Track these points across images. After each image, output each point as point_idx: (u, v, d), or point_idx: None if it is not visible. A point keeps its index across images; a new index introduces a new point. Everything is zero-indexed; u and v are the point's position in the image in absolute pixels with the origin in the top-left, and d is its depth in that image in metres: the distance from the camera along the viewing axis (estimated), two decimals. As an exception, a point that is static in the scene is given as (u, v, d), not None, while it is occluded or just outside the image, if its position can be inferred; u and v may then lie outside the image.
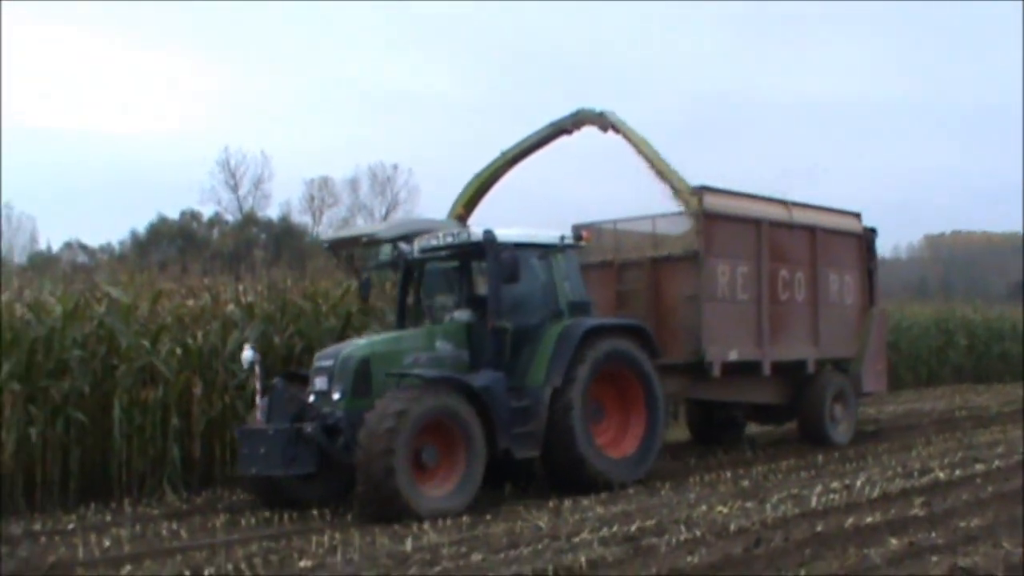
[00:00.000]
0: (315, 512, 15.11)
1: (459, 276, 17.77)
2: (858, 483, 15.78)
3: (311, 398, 15.73)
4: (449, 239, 17.03)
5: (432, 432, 14.73)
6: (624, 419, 17.51)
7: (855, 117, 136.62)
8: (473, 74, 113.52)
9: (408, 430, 14.21)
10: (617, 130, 21.72)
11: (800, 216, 21.72)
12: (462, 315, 17.09)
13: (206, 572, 11.28)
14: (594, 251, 20.44)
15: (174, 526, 14.37)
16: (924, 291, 72.21)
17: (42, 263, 34.36)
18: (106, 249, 56.92)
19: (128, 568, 11.82)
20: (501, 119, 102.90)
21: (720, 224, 19.84)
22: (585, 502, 15.41)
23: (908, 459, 18.77)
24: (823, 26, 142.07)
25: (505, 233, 16.65)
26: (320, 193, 79.27)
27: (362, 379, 15.43)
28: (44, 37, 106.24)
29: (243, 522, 14.56)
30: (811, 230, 21.80)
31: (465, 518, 14.41)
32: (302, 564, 11.71)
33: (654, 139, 21.16)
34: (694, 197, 19.77)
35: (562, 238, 17.46)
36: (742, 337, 20.12)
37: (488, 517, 14.47)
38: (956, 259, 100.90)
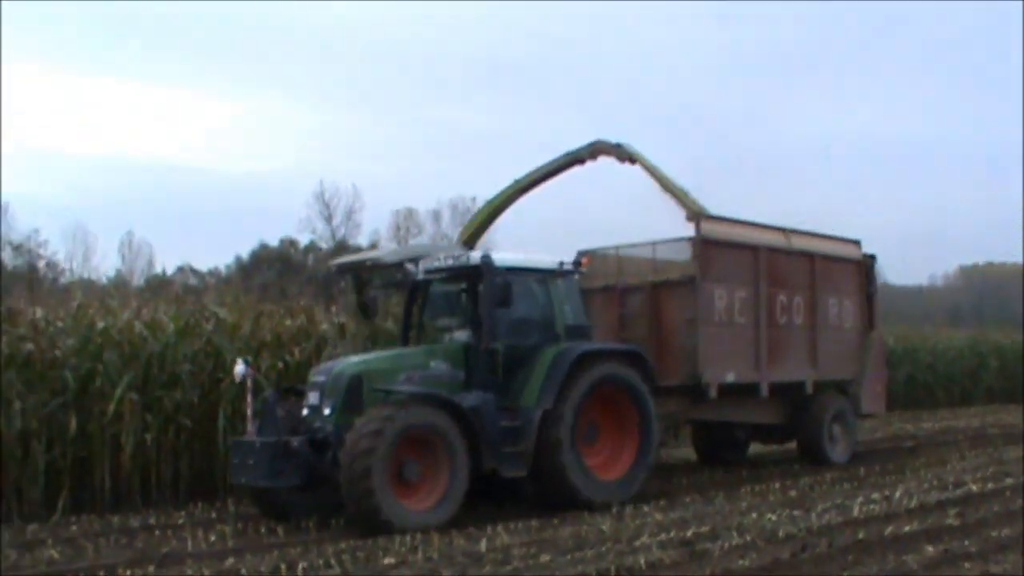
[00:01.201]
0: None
1: (460, 298, 16.92)
2: (897, 494, 15.70)
3: (305, 412, 15.13)
4: (450, 262, 16.46)
5: (416, 447, 14.08)
6: (618, 442, 16.61)
7: (894, 153, 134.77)
8: (541, 115, 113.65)
9: (387, 446, 13.58)
10: (634, 160, 20.90)
11: (799, 243, 20.95)
12: (460, 336, 16.36)
13: (300, 566, 11.32)
14: (597, 276, 19.88)
15: (271, 524, 14.40)
16: (958, 317, 71.43)
17: (157, 285, 34.72)
18: (214, 273, 57.29)
19: (231, 561, 11.92)
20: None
21: (717, 250, 19.05)
22: (645, 508, 15.36)
23: (943, 472, 18.58)
24: (853, 65, 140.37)
25: (503, 257, 16.07)
26: (406, 223, 79.20)
27: (353, 395, 14.67)
28: (169, 92, 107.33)
29: (333, 522, 14.55)
30: (810, 256, 20.97)
31: (534, 521, 14.40)
32: (386, 561, 11.74)
33: (671, 170, 20.51)
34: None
35: (561, 264, 16.76)
36: (740, 360, 19.32)
37: (556, 521, 14.45)
38: (988, 287, 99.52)
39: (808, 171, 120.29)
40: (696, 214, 19.02)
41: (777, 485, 17.64)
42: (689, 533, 12.75)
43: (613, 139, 21.14)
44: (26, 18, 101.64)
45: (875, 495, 15.70)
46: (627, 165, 20.99)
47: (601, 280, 19.96)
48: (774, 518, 13.84)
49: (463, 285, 16.68)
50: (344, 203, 77.17)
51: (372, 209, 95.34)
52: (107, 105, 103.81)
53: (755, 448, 22.78)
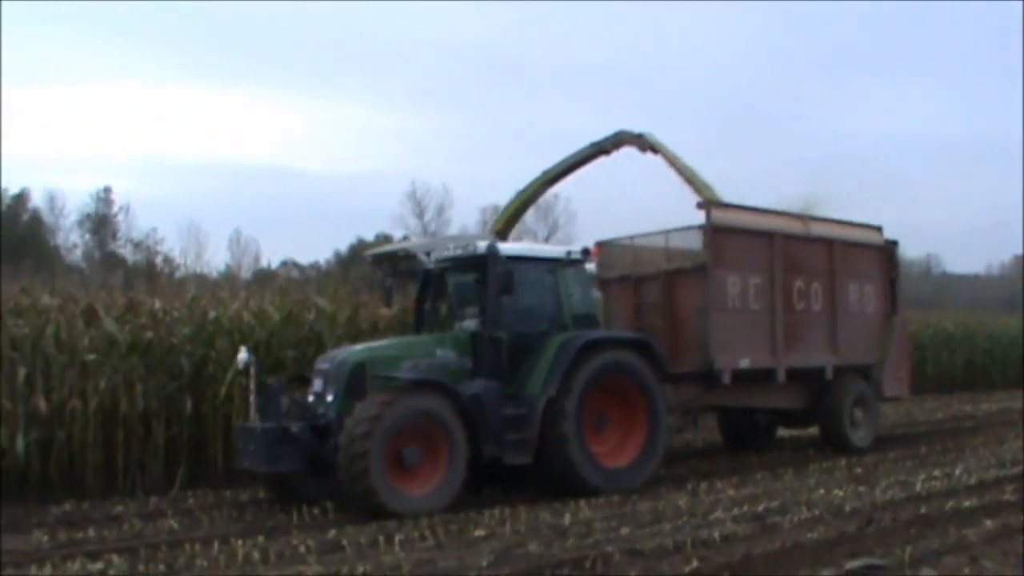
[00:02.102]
0: (488, 491, 15.14)
1: (469, 287, 16.20)
2: (957, 471, 15.60)
3: (311, 399, 14.65)
4: (459, 251, 16.11)
5: (415, 434, 13.49)
6: (627, 430, 15.85)
7: (951, 150, 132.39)
8: (615, 114, 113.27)
9: (384, 431, 13.07)
10: (655, 151, 20.45)
11: (817, 229, 20.01)
12: (469, 324, 15.73)
13: (397, 538, 11.41)
14: (614, 266, 19.51)
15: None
16: (1014, 305, 70.40)
17: (263, 278, 34.99)
18: (315, 266, 57.63)
19: (332, 532, 12.01)
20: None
21: (729, 237, 18.21)
22: (719, 484, 15.36)
23: (1001, 451, 18.41)
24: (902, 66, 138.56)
25: (509, 247, 15.83)
26: (492, 218, 79.39)
27: (356, 382, 14.11)
28: (271, 100, 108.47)
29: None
30: (829, 243, 19.97)
31: (615, 497, 14.42)
32: (476, 533, 11.81)
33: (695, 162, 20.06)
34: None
35: (568, 253, 16.24)
36: (755, 345, 18.43)
37: (635, 497, 14.46)
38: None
39: (870, 168, 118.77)
40: (707, 201, 18.42)
41: (843, 462, 17.57)
42: (760, 508, 12.73)
43: (637, 130, 20.77)
44: (137, 36, 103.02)
45: (936, 472, 15.59)
46: (649, 155, 20.59)
47: (618, 270, 19.54)
48: (841, 493, 13.79)
49: (472, 274, 16.02)
50: (435, 201, 77.51)
51: (460, 206, 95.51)
52: (215, 113, 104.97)
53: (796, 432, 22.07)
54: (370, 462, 12.88)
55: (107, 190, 69.74)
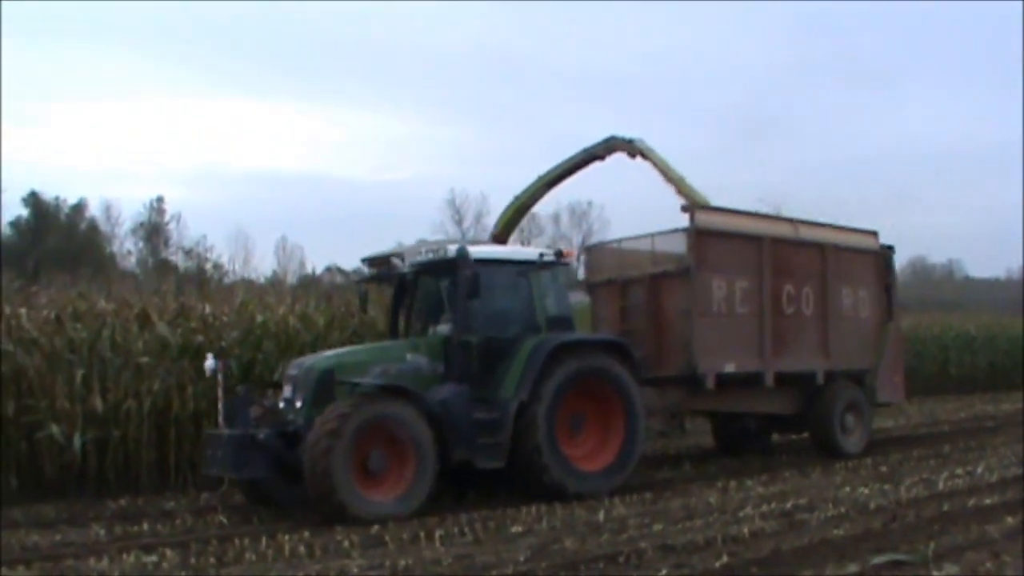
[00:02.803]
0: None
1: (443, 291, 15.65)
2: (979, 470, 15.47)
3: (281, 405, 14.14)
4: (431, 255, 15.38)
5: (381, 439, 12.99)
6: (603, 433, 15.17)
7: (968, 158, 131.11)
8: (647, 124, 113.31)
9: (348, 436, 12.57)
10: (645, 156, 19.88)
11: (808, 233, 19.08)
12: (442, 329, 15.06)
13: (437, 534, 11.44)
14: (601, 270, 19.09)
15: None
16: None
17: (308, 283, 35.12)
18: (358, 272, 57.93)
19: (376, 528, 12.05)
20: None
21: (714, 240, 17.48)
22: (748, 482, 15.32)
23: (1022, 450, 18.18)
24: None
25: (479, 250, 15.18)
26: (527, 225, 79.39)
27: (323, 389, 13.61)
28: (313, 111, 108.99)
29: (468, 495, 14.65)
30: (820, 247, 19.04)
31: (647, 494, 14.42)
32: (513, 529, 11.83)
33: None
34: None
35: (541, 255, 15.43)
36: (741, 350, 17.63)
37: (667, 494, 14.45)
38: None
39: (893, 173, 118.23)
40: (691, 204, 17.92)
41: (868, 461, 17.46)
42: (788, 505, 12.68)
43: (627, 135, 20.31)
44: (187, 53, 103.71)
45: (959, 470, 15.45)
46: (639, 160, 20.03)
47: (605, 274, 18.99)
48: (866, 491, 13.70)
49: (444, 278, 15.54)
50: (473, 207, 77.63)
51: (498, 212, 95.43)
52: (261, 124, 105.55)
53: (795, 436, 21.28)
54: (333, 467, 12.46)
55: (160, 200, 70.16)
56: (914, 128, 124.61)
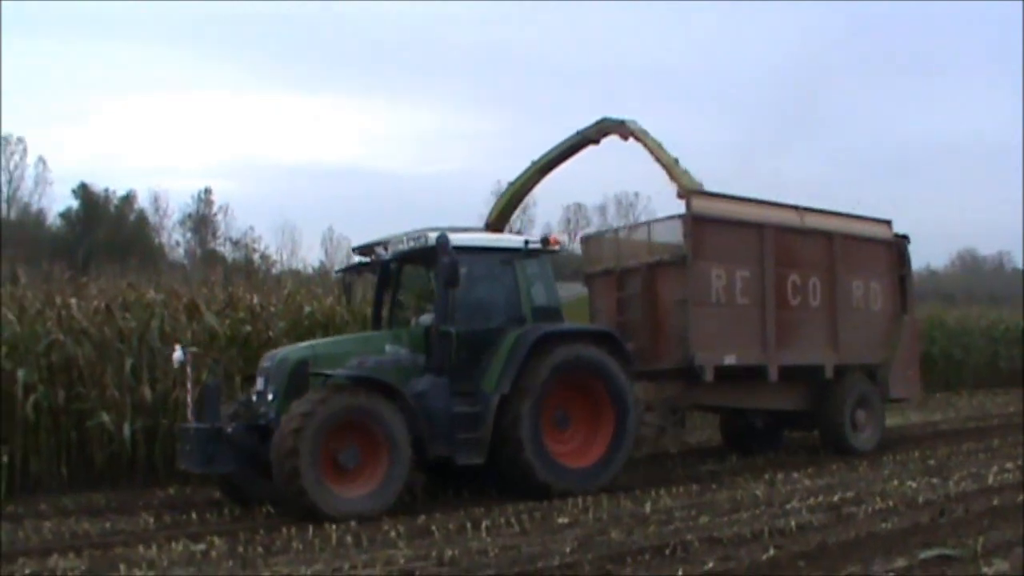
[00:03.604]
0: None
1: (425, 281, 15.36)
2: (1029, 464, 15.25)
3: (254, 398, 13.75)
4: (411, 243, 14.60)
5: (353, 433, 12.54)
6: (592, 428, 14.58)
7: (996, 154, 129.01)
8: (691, 118, 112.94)
9: (316, 430, 12.11)
10: (637, 138, 18.90)
11: (814, 222, 18.40)
12: (425, 319, 14.65)
13: (484, 524, 11.46)
14: (599, 260, 18.46)
15: (457, 486, 14.55)
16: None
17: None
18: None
19: (422, 518, 12.14)
20: (721, 154, 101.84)
21: (712, 228, 16.84)
22: (795, 475, 15.25)
23: (1074, 444, 17.98)
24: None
25: (460, 237, 14.28)
26: (575, 216, 79.14)
27: (297, 381, 13.10)
28: (356, 104, 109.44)
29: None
30: (828, 236, 18.39)
31: (694, 486, 14.40)
32: (560, 520, 11.83)
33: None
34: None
35: (526, 243, 14.74)
36: (742, 341, 16.95)
37: (714, 486, 14.42)
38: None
39: (944, 166, 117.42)
40: (687, 191, 17.10)
41: (916, 455, 17.32)
42: (836, 498, 12.61)
43: (619, 117, 19.27)
44: (235, 46, 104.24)
45: (1008, 464, 15.27)
46: (631, 142, 19.06)
47: (602, 264, 18.37)
48: (914, 485, 13.60)
49: (425, 267, 15.23)
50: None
51: (544, 204, 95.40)
52: (306, 117, 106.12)
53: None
54: (300, 461, 11.99)
55: (207, 191, 70.80)
56: (964, 119, 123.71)
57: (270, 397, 13.30)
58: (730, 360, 16.74)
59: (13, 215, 61.99)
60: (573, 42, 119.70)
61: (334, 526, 11.52)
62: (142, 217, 66.66)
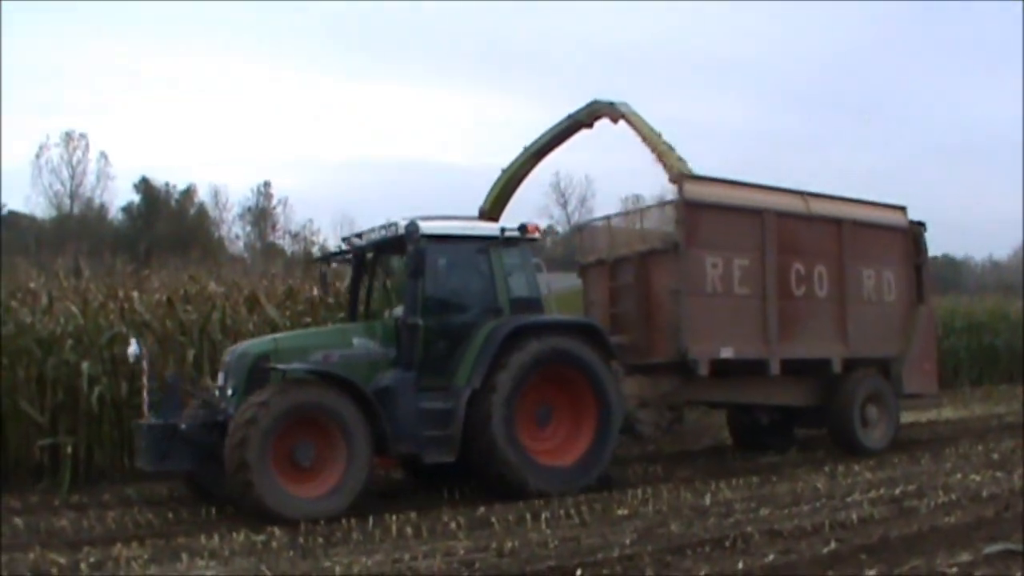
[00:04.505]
0: (631, 472, 15.14)
1: (401, 271, 14.50)
2: (1096, 458, 15.04)
3: (216, 393, 13.27)
4: (383, 232, 14.03)
5: (310, 430, 12.02)
6: (575, 425, 13.92)
7: None
8: (751, 107, 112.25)
9: (268, 426, 11.57)
10: (628, 120, 18.21)
11: (821, 208, 17.41)
12: (398, 311, 13.87)
13: (543, 516, 11.46)
14: (592, 250, 17.71)
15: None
16: None
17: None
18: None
19: (482, 510, 12.19)
20: (767, 144, 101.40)
21: (707, 214, 15.96)
22: (856, 467, 15.15)
23: None
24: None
25: (432, 225, 13.55)
26: (633, 207, 79.12)
27: (259, 376, 12.52)
28: (412, 96, 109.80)
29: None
30: (836, 223, 17.41)
31: (754, 478, 14.33)
32: (619, 512, 11.84)
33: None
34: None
35: (503, 231, 13.96)
36: (741, 334, 16.06)
37: (774, 479, 14.34)
38: None
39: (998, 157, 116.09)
40: (678, 175, 16.27)
41: (980, 448, 17.13)
42: (897, 491, 12.51)
43: (609, 99, 18.65)
44: (293, 40, 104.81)
45: (1076, 458, 15.12)
46: (622, 125, 18.41)
47: (595, 254, 17.62)
48: (977, 479, 13.46)
49: (398, 257, 14.62)
50: (578, 191, 77.67)
51: (603, 196, 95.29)
52: (364, 111, 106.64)
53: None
54: (249, 455, 11.47)
55: (267, 185, 71.42)
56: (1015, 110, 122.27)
57: (229, 392, 12.82)
58: (727, 353, 15.92)
59: (76, 210, 62.71)
60: (629, 35, 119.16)
61: (394, 517, 11.56)
62: (202, 211, 67.39)
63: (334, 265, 16.68)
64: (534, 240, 14.49)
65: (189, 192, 66.22)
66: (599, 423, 13.87)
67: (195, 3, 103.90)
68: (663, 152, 17.56)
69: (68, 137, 64.31)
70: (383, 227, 14.09)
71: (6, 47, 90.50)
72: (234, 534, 10.86)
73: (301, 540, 10.58)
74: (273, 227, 71.12)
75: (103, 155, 64.77)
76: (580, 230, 17.94)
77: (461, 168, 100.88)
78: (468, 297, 13.97)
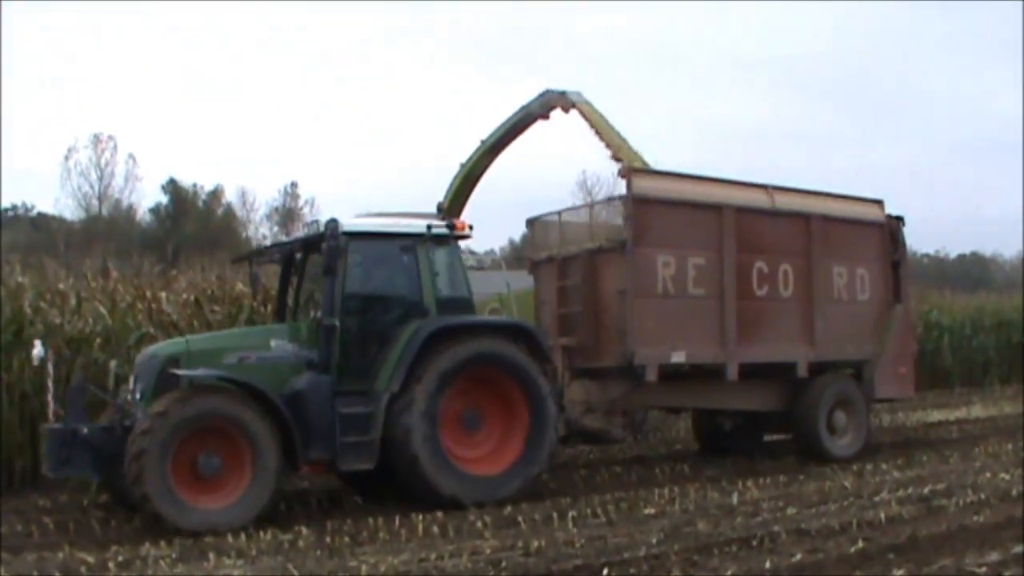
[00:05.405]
0: (657, 471, 15.11)
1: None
2: None
3: (129, 397, 12.60)
4: (306, 231, 13.59)
5: (215, 438, 11.52)
6: (507, 432, 13.27)
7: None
8: (781, 105, 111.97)
9: (167, 433, 11.12)
10: (580, 111, 17.87)
11: (787, 202, 16.37)
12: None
13: (570, 515, 11.46)
14: (542, 245, 16.73)
15: (544, 477, 14.55)
16: None
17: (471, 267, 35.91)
18: (489, 253, 58.33)
19: (509, 509, 12.18)
20: (795, 144, 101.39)
21: (659, 210, 15.01)
22: (884, 466, 15.11)
23: None
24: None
25: (353, 222, 13.12)
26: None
27: (167, 380, 11.94)
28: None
29: (597, 477, 14.69)
30: (804, 218, 16.38)
31: (782, 477, 14.31)
32: (646, 511, 11.86)
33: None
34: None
35: (429, 227, 13.31)
36: (695, 337, 15.14)
37: (801, 477, 14.31)
38: None
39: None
40: (627, 168, 15.57)
41: (1009, 447, 17.04)
42: (926, 490, 12.48)
43: (560, 88, 18.43)
44: (314, 42, 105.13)
45: (1106, 456, 15.03)
46: (573, 115, 18.11)
47: (546, 250, 16.63)
48: (1007, 477, 13.41)
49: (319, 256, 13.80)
50: (605, 189, 77.52)
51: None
52: (383, 110, 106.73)
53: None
54: (146, 465, 11.03)
55: (294, 185, 71.50)
56: None
57: (138, 396, 12.29)
58: (678, 358, 15.02)
59: (105, 211, 63.05)
60: (658, 32, 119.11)
61: (420, 516, 11.59)
62: (230, 211, 67.62)
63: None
64: (465, 237, 14.03)
65: (216, 193, 66.48)
66: (531, 428, 13.24)
67: (224, 4, 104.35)
68: (616, 145, 17.28)
69: (96, 139, 64.55)
70: (307, 225, 13.69)
71: (34, 51, 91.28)
72: (261, 533, 10.92)
73: (328, 539, 10.64)
74: (300, 227, 71.37)
75: (131, 157, 65.05)
76: (531, 224, 17.00)
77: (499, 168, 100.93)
78: (391, 297, 13.42)
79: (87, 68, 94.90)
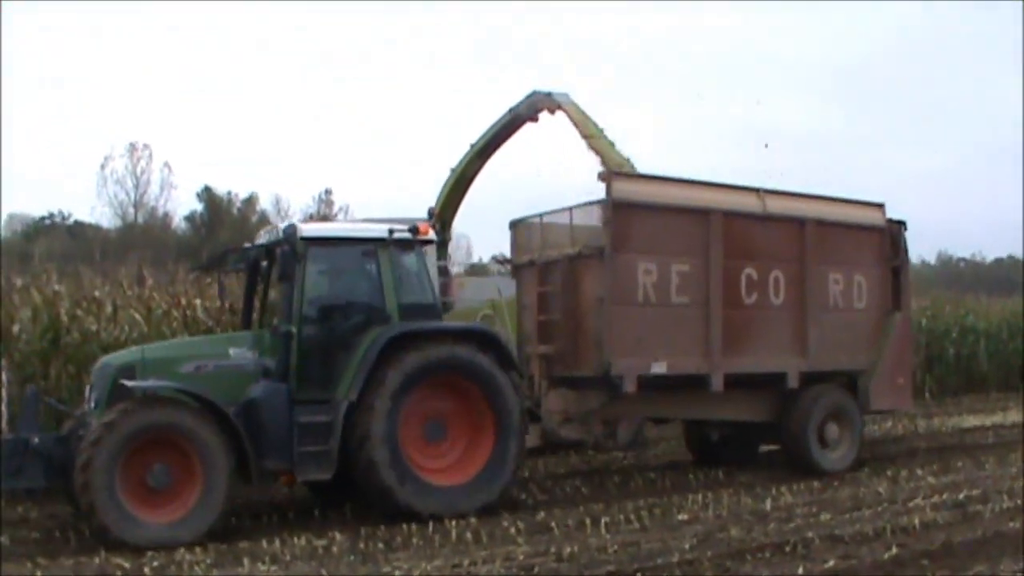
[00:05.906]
0: (691, 476, 15.08)
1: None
2: None
3: (86, 407, 12.44)
4: (268, 236, 13.45)
5: (166, 451, 11.25)
6: (473, 441, 12.86)
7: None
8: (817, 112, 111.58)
9: (111, 449, 10.86)
10: (566, 112, 17.65)
11: (780, 206, 15.71)
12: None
13: (603, 520, 11.49)
14: (525, 248, 16.21)
15: (577, 482, 14.55)
16: None
17: (473, 272, 35.86)
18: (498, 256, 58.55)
19: (541, 514, 12.19)
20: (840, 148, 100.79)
21: (640, 215, 14.49)
22: (919, 472, 15.03)
23: None
24: None
25: (312, 227, 13.13)
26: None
27: (120, 390, 11.67)
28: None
29: (631, 483, 14.69)
30: (798, 222, 15.78)
31: (815, 483, 14.26)
32: (679, 517, 11.85)
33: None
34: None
35: (391, 232, 12.91)
36: (678, 346, 14.60)
37: (835, 483, 14.26)
38: None
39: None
40: (608, 172, 15.16)
41: (1048, 452, 16.88)
42: (961, 496, 12.43)
43: (546, 89, 18.26)
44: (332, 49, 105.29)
45: None
46: (559, 116, 17.89)
47: (528, 253, 16.13)
48: (1042, 484, 13.31)
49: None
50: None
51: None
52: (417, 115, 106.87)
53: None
54: (93, 477, 10.81)
55: (328, 192, 71.78)
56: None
57: (92, 406, 12.12)
58: (659, 369, 14.49)
59: (140, 219, 63.53)
60: (703, 37, 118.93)
61: (453, 522, 11.61)
62: (264, 219, 67.90)
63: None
64: (429, 242, 13.74)
65: (251, 200, 66.90)
66: (497, 437, 12.83)
67: (258, 9, 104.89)
68: (602, 147, 17.01)
69: (132, 148, 65.04)
70: (268, 231, 13.67)
71: (72, 61, 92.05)
72: (295, 538, 10.97)
73: (361, 544, 10.69)
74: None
75: (166, 165, 65.51)
76: (515, 227, 16.53)
77: (515, 173, 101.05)
78: (353, 303, 13.05)
79: (121, 76, 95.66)
